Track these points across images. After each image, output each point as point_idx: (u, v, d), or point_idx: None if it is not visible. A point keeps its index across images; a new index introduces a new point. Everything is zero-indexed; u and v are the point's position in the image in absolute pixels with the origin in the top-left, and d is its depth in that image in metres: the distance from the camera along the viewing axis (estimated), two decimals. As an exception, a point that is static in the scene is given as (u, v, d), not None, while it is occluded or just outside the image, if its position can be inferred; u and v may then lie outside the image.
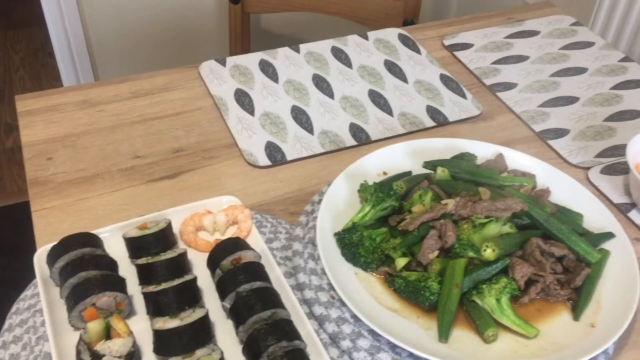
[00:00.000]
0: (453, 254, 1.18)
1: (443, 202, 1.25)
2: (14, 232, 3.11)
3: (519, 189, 1.33)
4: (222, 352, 1.03)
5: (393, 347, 1.11)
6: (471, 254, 1.17)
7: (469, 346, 1.11)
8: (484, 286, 1.14)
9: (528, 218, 1.24)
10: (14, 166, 3.63)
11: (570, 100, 1.75)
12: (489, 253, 1.15)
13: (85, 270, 1.10)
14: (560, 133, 1.63)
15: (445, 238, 1.19)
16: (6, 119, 3.94)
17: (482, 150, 1.46)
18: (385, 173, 1.42)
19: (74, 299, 1.07)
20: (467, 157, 1.43)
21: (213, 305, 1.15)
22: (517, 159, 1.45)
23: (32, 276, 1.19)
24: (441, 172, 1.34)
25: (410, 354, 1.11)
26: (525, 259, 1.19)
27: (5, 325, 1.15)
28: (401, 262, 1.20)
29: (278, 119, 1.64)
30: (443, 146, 1.47)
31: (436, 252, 1.19)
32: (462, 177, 1.34)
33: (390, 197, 1.27)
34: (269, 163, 1.51)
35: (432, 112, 1.68)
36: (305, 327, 1.09)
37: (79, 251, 1.13)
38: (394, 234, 1.26)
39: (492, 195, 1.26)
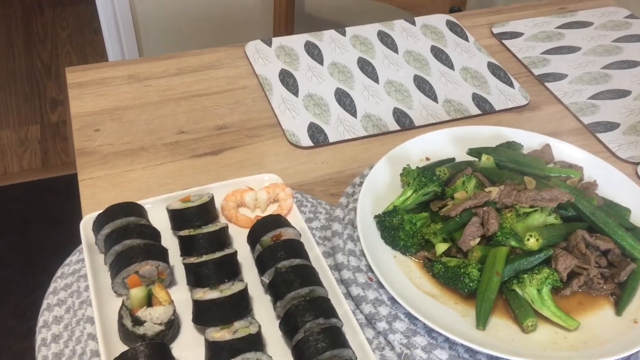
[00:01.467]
0: (495, 242, 1.17)
1: (487, 189, 1.23)
2: (57, 205, 3.19)
3: (566, 180, 1.31)
4: (259, 326, 1.04)
5: (429, 332, 1.11)
6: (513, 243, 1.16)
7: (507, 335, 1.09)
8: (525, 276, 1.12)
9: (574, 210, 1.22)
10: (58, 140, 3.72)
11: (622, 93, 1.70)
12: (532, 242, 1.13)
13: (130, 238, 1.12)
14: (610, 126, 1.59)
15: (487, 225, 1.17)
16: (52, 94, 4.03)
17: (529, 140, 1.43)
18: (427, 159, 1.41)
19: (118, 265, 1.10)
20: (513, 146, 1.40)
21: (252, 280, 1.16)
22: (565, 151, 1.42)
23: (75, 247, 1.22)
24: (486, 160, 1.32)
25: (446, 339, 1.10)
26: (569, 250, 1.16)
27: (50, 289, 1.18)
28: (441, 247, 1.19)
29: (322, 101, 1.63)
30: (488, 134, 1.45)
31: (477, 240, 1.17)
32: (507, 166, 1.32)
33: (432, 182, 1.26)
34: (311, 144, 1.51)
35: (478, 100, 1.66)
36: (342, 306, 1.10)
37: (124, 220, 1.15)
38: (435, 220, 1.25)
39: (538, 185, 1.23)
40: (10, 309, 2.69)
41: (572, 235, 1.18)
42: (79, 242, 1.22)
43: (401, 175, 1.31)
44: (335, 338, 1.00)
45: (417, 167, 1.30)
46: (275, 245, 1.13)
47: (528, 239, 1.13)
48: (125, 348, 1.04)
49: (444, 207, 1.25)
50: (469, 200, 1.21)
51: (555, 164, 1.39)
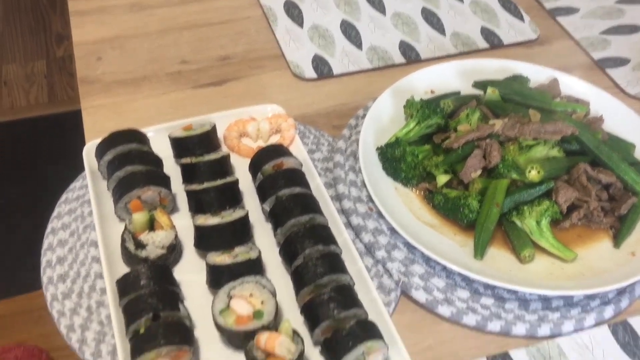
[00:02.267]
0: (496, 174, 1.16)
1: (490, 122, 1.22)
2: (63, 139, 3.19)
3: (571, 114, 1.29)
4: (259, 251, 1.05)
5: (427, 261, 1.12)
6: (514, 175, 1.15)
7: (505, 265, 1.11)
8: (525, 207, 1.12)
9: (577, 143, 1.21)
10: (64, 75, 3.70)
11: (634, 29, 1.66)
12: (533, 174, 1.13)
13: (132, 164, 1.12)
14: (620, 62, 1.56)
15: (489, 158, 1.17)
16: (57, 28, 3.98)
17: (536, 74, 1.41)
18: (432, 92, 1.39)
19: (120, 191, 1.11)
20: (520, 80, 1.38)
21: (253, 208, 1.17)
22: (572, 86, 1.40)
23: (79, 175, 1.23)
24: (491, 93, 1.30)
25: (444, 268, 1.11)
26: (571, 183, 1.16)
27: (54, 213, 1.20)
28: (442, 179, 1.19)
29: (327, 32, 1.60)
30: (496, 68, 1.42)
31: (479, 172, 1.17)
32: (513, 99, 1.30)
33: (436, 114, 1.25)
34: (315, 76, 1.50)
35: (487, 33, 1.62)
36: (342, 235, 1.11)
37: (126, 146, 1.16)
38: (437, 152, 1.25)
39: (542, 118, 1.22)
40: (18, 243, 2.74)
41: (574, 168, 1.17)
42: (82, 170, 1.23)
43: (404, 106, 1.30)
44: (334, 264, 1.01)
45: (421, 99, 1.28)
46: (277, 174, 1.14)
47: (529, 171, 1.13)
48: (127, 270, 1.06)
49: (446, 139, 1.24)
50: (472, 132, 1.20)
51: (561, 99, 1.37)
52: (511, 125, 1.20)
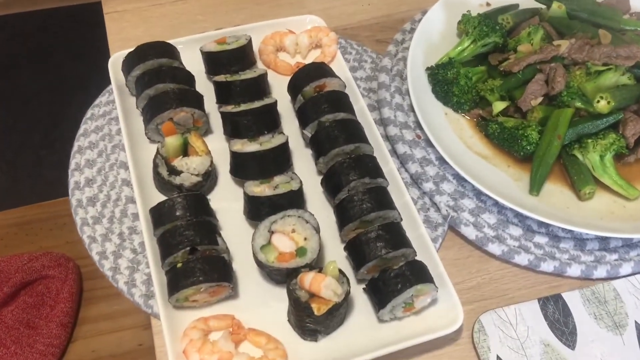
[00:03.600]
0: (559, 103, 1.06)
1: (555, 43, 1.10)
2: (81, 34, 3.06)
3: (643, 35, 1.16)
4: (301, 182, 0.98)
5: (478, 195, 1.05)
6: (579, 104, 1.05)
7: (561, 201, 1.03)
8: (589, 140, 1.03)
9: (650, 70, 1.10)
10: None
11: None
12: (602, 105, 1.03)
13: (163, 82, 1.03)
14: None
15: (552, 84, 1.06)
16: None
17: (604, -13, 1.27)
18: (488, 4, 1.26)
19: (151, 111, 1.02)
20: (587, -7, 1.24)
21: (292, 131, 1.09)
22: (644, 0, 1.26)
23: (102, 82, 1.14)
24: (556, 8, 1.17)
25: (496, 203, 1.04)
26: (641, 115, 1.06)
27: (81, 130, 1.13)
28: (499, 105, 1.09)
29: None
30: (559, -22, 1.28)
31: (540, 99, 1.07)
32: (580, 16, 1.17)
33: (495, 32, 1.13)
34: (357, -18, 1.36)
35: (549, -64, 1.45)
36: (387, 164, 1.03)
37: (156, 61, 1.06)
38: (493, 75, 1.14)
39: (613, 41, 1.10)
40: (40, 139, 2.70)
41: (645, 98, 1.07)
42: (106, 78, 1.14)
43: (459, 22, 1.18)
44: (381, 199, 0.94)
45: (479, 14, 1.16)
46: (319, 97, 1.04)
47: (598, 101, 1.03)
48: (160, 196, 1.00)
49: (504, 61, 1.13)
50: (534, 54, 1.09)
51: (631, 15, 1.24)
52: (578, 48, 1.08)
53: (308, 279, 0.84)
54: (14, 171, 2.62)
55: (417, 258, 0.92)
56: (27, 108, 2.86)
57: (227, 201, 1.02)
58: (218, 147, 1.06)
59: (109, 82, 1.14)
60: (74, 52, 3.06)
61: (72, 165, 1.09)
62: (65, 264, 1.69)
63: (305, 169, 1.06)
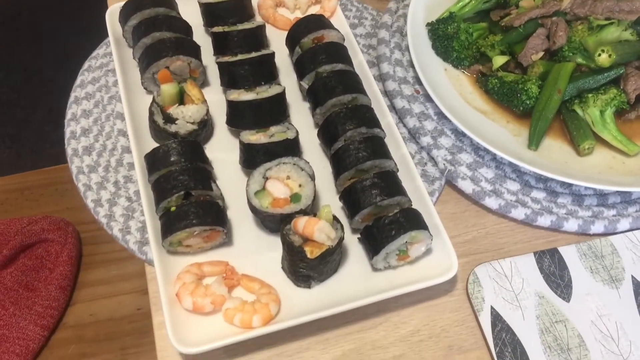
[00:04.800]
0: (560, 57, 1.05)
1: (557, -3, 1.09)
2: (87, 12, 3.05)
3: (647, -7, 1.14)
4: (297, 131, 0.98)
5: (476, 149, 1.04)
6: (580, 59, 1.04)
7: (560, 156, 1.02)
8: (590, 95, 1.02)
9: (654, 26, 1.08)
10: None
11: None
12: (603, 58, 1.01)
13: (159, 30, 1.03)
14: None
15: (554, 38, 1.05)
16: None
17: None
18: (491, -39, 1.24)
19: (147, 59, 1.02)
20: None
21: (290, 85, 1.08)
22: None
23: (102, 31, 1.13)
24: (560, -37, 1.15)
25: (494, 158, 1.03)
26: (643, 71, 1.05)
27: (77, 81, 1.12)
28: (499, 60, 1.08)
29: None
30: (564, -64, 1.26)
31: (541, 54, 1.06)
32: (583, -29, 1.16)
33: (497, -14, 1.11)
34: (359, -60, 1.34)
35: None
36: (385, 117, 1.02)
37: (153, 10, 1.05)
38: (494, 31, 1.13)
39: (617, -4, 1.08)
40: (43, 114, 2.69)
41: (648, 54, 1.05)
42: (105, 36, 1.13)
43: (461, -23, 1.16)
44: (377, 148, 0.94)
45: (481, -31, 1.14)
46: (317, 48, 1.03)
47: (599, 54, 1.01)
48: (156, 145, 1.00)
49: (506, 16, 1.11)
50: (536, 8, 1.07)
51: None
52: (581, 2, 1.07)
53: (302, 222, 0.83)
54: (18, 146, 2.62)
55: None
56: (31, 83, 2.85)
57: (223, 151, 1.01)
58: (215, 99, 1.05)
59: (106, 34, 1.13)
60: (80, 28, 3.05)
61: (69, 115, 1.08)
62: (65, 227, 1.69)
63: (303, 122, 1.05)
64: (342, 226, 0.86)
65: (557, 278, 0.93)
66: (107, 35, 1.12)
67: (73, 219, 1.77)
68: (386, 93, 1.11)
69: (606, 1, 1.05)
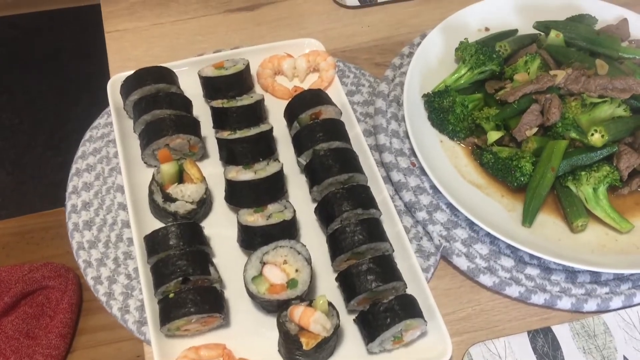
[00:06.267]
0: (553, 133, 1.07)
1: (552, 72, 1.10)
2: (89, 36, 3.07)
3: (641, 63, 1.16)
4: (294, 211, 0.99)
5: (471, 224, 1.05)
6: (574, 135, 1.06)
7: (554, 233, 1.04)
8: (583, 173, 1.03)
9: (646, 102, 1.10)
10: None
11: None
12: (596, 139, 1.03)
13: (160, 108, 1.04)
14: (699, -1, 1.39)
15: (548, 115, 1.06)
16: None
17: (603, 12, 1.27)
18: (487, 29, 1.26)
19: (148, 137, 1.04)
20: (587, 20, 1.24)
21: (288, 157, 1.10)
22: (643, 28, 1.26)
23: (97, 92, 1.15)
24: (554, 37, 1.17)
25: (488, 234, 1.05)
26: (635, 148, 1.06)
27: (79, 153, 1.14)
28: (494, 135, 1.09)
29: (371, -49, 1.45)
30: (558, 4, 1.28)
31: (535, 129, 1.07)
32: (577, 44, 1.18)
33: (491, 60, 1.13)
34: (358, 3, 1.37)
35: (550, -41, 1.45)
36: (381, 192, 1.04)
37: (153, 87, 1.07)
38: (489, 103, 1.14)
39: (610, 71, 1.10)
40: (45, 139, 2.71)
41: (640, 130, 1.07)
42: (106, 99, 1.15)
43: (457, 50, 1.18)
44: (373, 231, 0.95)
45: (476, 42, 1.16)
46: (314, 125, 1.05)
47: (592, 134, 1.03)
48: (155, 221, 1.02)
49: (500, 89, 1.13)
50: (530, 84, 1.09)
51: (630, 43, 1.24)
52: (575, 78, 1.08)
53: (298, 312, 0.84)
54: (19, 172, 2.64)
55: (408, 289, 0.93)
56: (33, 108, 2.88)
57: (221, 228, 1.03)
58: (214, 172, 1.07)
59: (107, 104, 1.15)
60: (80, 52, 3.07)
61: (70, 188, 1.10)
62: (65, 274, 1.70)
63: (300, 196, 1.06)
64: (337, 313, 0.87)
65: (551, 359, 0.94)
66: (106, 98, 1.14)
67: (73, 262, 1.77)
68: (383, 165, 1.12)
69: (599, 78, 1.06)
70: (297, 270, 0.91)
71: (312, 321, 0.83)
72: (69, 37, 3.16)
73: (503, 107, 1.10)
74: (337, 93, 1.16)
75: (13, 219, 1.93)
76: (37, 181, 2.64)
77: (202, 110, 1.14)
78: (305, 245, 0.94)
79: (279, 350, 0.91)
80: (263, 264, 0.91)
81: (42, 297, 1.69)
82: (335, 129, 1.05)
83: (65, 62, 3.03)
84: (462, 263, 1.01)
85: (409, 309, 0.88)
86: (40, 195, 2.58)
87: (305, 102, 1.08)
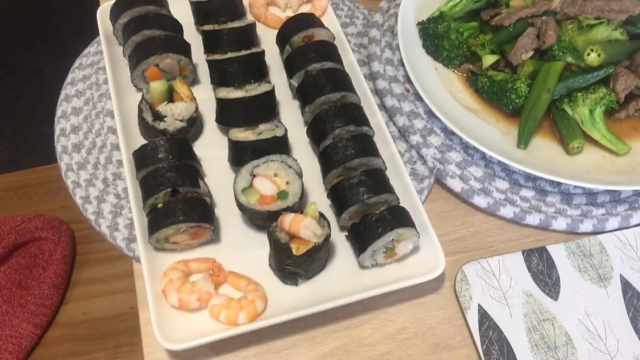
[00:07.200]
0: (549, 57, 1.05)
1: (548, -4, 1.09)
2: (85, 11, 3.06)
3: (638, -8, 1.15)
4: (285, 129, 0.98)
5: (465, 148, 1.04)
6: (570, 59, 1.04)
7: (549, 155, 1.02)
8: (579, 94, 1.02)
9: (644, 26, 1.08)
10: None
11: None
12: (592, 57, 1.01)
13: (149, 28, 1.03)
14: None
15: (543, 38, 1.05)
16: None
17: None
18: (484, -39, 1.24)
19: (137, 57, 1.02)
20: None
21: (280, 83, 1.08)
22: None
23: (96, 31, 1.13)
24: (551, -38, 1.15)
25: (483, 157, 1.03)
26: (632, 70, 1.04)
27: (68, 79, 1.13)
28: (489, 59, 1.08)
29: None
30: (556, -64, 1.26)
31: (530, 53, 1.06)
32: (574, -30, 1.16)
33: (487, -14, 1.12)
34: (352, -60, 1.34)
35: None
36: (375, 116, 1.02)
37: (143, 8, 1.05)
38: (485, 30, 1.13)
39: (607, -5, 1.08)
40: (41, 113, 2.70)
41: (637, 53, 1.05)
42: (97, 34, 1.14)
43: (452, -24, 1.16)
44: (365, 146, 0.94)
45: (472, -32, 1.14)
46: (306, 46, 1.03)
47: (588, 54, 1.01)
48: (145, 142, 1.00)
49: (496, 15, 1.11)
50: (526, 8, 1.07)
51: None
52: (571, 1, 1.07)
53: (288, 219, 0.83)
54: (15, 146, 2.62)
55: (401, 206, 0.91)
56: (29, 84, 2.86)
57: (212, 149, 1.01)
58: (205, 97, 1.06)
59: (97, 34, 1.14)
60: (76, 28, 3.05)
61: (58, 112, 1.08)
62: (59, 226, 1.69)
63: (292, 120, 1.05)
64: (328, 223, 0.86)
65: (545, 277, 0.93)
66: (99, 34, 1.13)
67: (67, 217, 1.77)
68: (376, 92, 1.11)
69: (596, 1, 1.05)
70: (287, 183, 0.90)
71: (303, 226, 0.82)
72: (68, 13, 3.13)
73: (498, 31, 1.09)
74: (331, 22, 1.14)
75: (6, 174, 1.92)
76: (34, 156, 2.62)
77: (193, 39, 1.12)
78: (296, 160, 0.92)
79: (269, 264, 0.89)
80: (253, 176, 0.90)
81: (35, 248, 1.67)
82: (328, 50, 1.04)
83: (62, 37, 3.01)
84: (456, 185, 1.00)
85: (400, 218, 0.86)
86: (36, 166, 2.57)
87: (298, 25, 1.06)
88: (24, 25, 3.09)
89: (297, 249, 0.82)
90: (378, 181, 0.90)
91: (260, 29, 1.16)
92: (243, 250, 0.92)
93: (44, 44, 3.00)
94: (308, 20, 1.07)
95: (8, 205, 1.84)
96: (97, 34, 1.14)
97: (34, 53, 2.97)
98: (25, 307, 1.58)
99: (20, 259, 1.65)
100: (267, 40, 1.14)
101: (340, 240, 0.93)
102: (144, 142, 1.00)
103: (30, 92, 2.82)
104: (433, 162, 1.02)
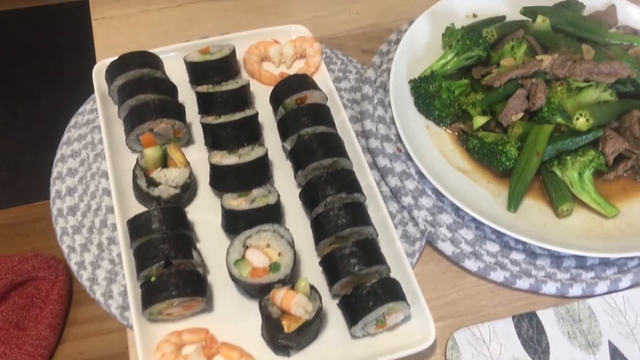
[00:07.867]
0: (539, 118, 1.06)
1: (538, 57, 1.10)
2: (83, 30, 3.06)
3: (628, 49, 1.16)
4: (278, 195, 0.99)
5: (456, 210, 1.05)
6: (560, 120, 1.05)
7: (539, 218, 1.03)
8: (568, 157, 1.03)
9: (632, 86, 1.09)
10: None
11: None
12: (581, 123, 1.02)
13: (144, 93, 1.04)
14: (688, -14, 1.38)
15: (533, 99, 1.06)
16: None
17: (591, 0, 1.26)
18: (475, 15, 1.26)
19: (132, 122, 1.03)
20: (574, 6, 1.24)
21: (273, 143, 1.09)
22: (631, 13, 1.25)
23: (90, 85, 1.14)
24: (541, 22, 1.16)
25: (474, 219, 1.04)
26: (621, 132, 1.06)
27: (64, 139, 1.14)
28: (479, 120, 1.09)
29: (360, -61, 1.44)
30: (547, -10, 1.27)
31: (520, 114, 1.07)
32: (564, 30, 1.17)
33: (478, 45, 1.13)
34: (346, -10, 1.36)
35: (539, -54, 1.44)
36: (366, 178, 1.03)
37: (138, 71, 1.07)
38: (476, 88, 1.14)
39: (596, 56, 1.09)
40: (39, 134, 2.70)
41: (626, 115, 1.07)
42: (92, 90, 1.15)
43: (444, 35, 1.18)
44: (357, 214, 0.95)
45: (463, 27, 1.16)
46: (299, 110, 1.05)
47: (577, 118, 1.03)
48: (140, 207, 1.01)
49: (487, 74, 1.13)
50: (516, 69, 1.09)
51: (618, 29, 1.23)
52: (561, 63, 1.08)
53: (279, 295, 0.84)
54: (14, 167, 2.62)
55: (392, 274, 0.92)
56: (27, 103, 2.86)
57: (205, 213, 1.02)
58: (199, 158, 1.07)
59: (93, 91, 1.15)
60: (74, 47, 3.06)
61: (54, 173, 1.09)
62: (56, 265, 1.70)
63: (285, 182, 1.06)
64: (320, 297, 0.87)
65: (535, 343, 0.94)
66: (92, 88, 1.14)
67: (63, 254, 1.78)
68: (369, 150, 1.12)
69: (585, 63, 1.06)
70: (280, 254, 0.91)
71: (294, 304, 0.83)
72: (66, 32, 3.15)
73: (489, 92, 1.10)
74: (323, 79, 1.16)
75: (3, 210, 1.93)
76: (31, 176, 2.63)
77: (188, 97, 1.14)
78: (288, 229, 0.93)
79: (262, 334, 0.90)
80: (246, 247, 0.91)
81: (32, 288, 1.69)
82: (321, 113, 1.05)
83: (61, 56, 3.02)
84: (447, 248, 1.01)
85: (391, 292, 0.87)
86: (35, 190, 2.58)
87: (291, 86, 1.07)
88: (24, 43, 3.09)
89: (288, 327, 0.83)
90: (369, 252, 0.91)
91: (255, 85, 1.17)
92: (236, 318, 0.93)
93: (42, 61, 3.00)
94: (301, 82, 1.08)
95: (6, 242, 1.85)
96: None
97: (33, 72, 2.97)
98: (22, 348, 1.60)
99: (18, 299, 1.67)
100: (262, 96, 1.16)
101: (332, 308, 0.93)
102: (139, 206, 1.01)
103: (28, 112, 2.82)
104: (424, 225, 1.03)
